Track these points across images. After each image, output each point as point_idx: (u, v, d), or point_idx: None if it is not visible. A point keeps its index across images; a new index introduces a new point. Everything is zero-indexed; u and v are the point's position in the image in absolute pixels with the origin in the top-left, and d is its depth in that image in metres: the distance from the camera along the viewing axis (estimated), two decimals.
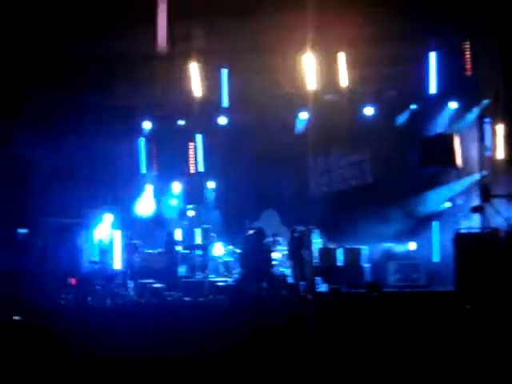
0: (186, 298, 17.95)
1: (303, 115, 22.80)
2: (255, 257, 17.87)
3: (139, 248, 22.17)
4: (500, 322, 9.44)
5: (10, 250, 20.75)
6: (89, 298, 17.75)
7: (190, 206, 23.46)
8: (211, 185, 24.23)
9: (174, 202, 24.34)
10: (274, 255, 20.45)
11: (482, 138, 20.77)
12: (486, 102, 20.53)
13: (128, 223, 23.76)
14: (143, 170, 24.56)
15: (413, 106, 21.82)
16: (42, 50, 21.31)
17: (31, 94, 23.12)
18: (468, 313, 11.68)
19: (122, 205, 23.68)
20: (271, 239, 21.24)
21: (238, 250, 20.93)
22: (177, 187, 24.41)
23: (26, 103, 23.24)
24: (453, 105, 21.20)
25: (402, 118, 21.86)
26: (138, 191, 24.36)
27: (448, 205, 21.16)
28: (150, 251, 22.37)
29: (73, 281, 17.29)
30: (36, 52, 21.43)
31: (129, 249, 22.08)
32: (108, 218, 23.84)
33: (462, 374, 8.56)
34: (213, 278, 21.36)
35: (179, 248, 22.05)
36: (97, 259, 22.99)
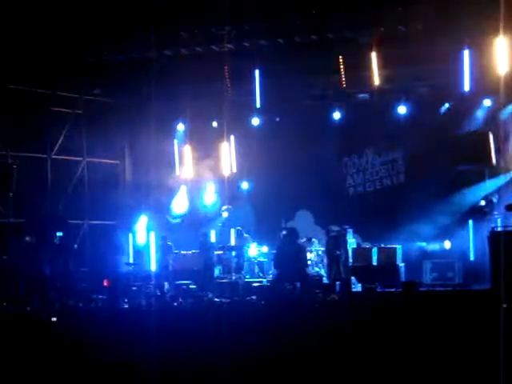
0: (222, 299, 17.99)
1: (336, 115, 22.79)
2: (289, 257, 17.85)
3: (174, 249, 22.29)
4: None
5: (47, 253, 20.97)
6: (125, 300, 17.84)
7: (224, 207, 23.51)
8: (245, 186, 24.28)
9: (208, 203, 24.44)
10: (309, 255, 20.46)
11: None
12: None
13: (163, 225, 23.91)
14: (177, 171, 24.68)
15: (446, 104, 21.70)
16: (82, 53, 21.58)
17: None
18: (504, 311, 11.60)
19: (156, 206, 23.83)
20: (305, 239, 21.25)
21: (266, 248, 21.01)
22: (210, 188, 24.49)
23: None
24: (487, 102, 21.06)
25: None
26: (173, 193, 24.49)
27: (483, 203, 21.01)
28: (185, 252, 22.47)
29: (106, 282, 17.40)
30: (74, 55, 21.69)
31: (164, 250, 22.20)
32: (143, 220, 24.01)
33: (498, 372, 8.54)
34: (248, 278, 21.42)
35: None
36: (132, 261, 23.18)
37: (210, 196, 24.44)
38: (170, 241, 22.47)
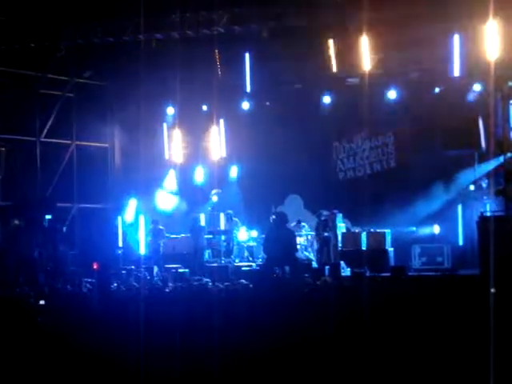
0: (212, 283, 18.01)
1: (326, 99, 22.77)
2: (278, 241, 17.89)
3: (165, 233, 22.29)
4: None
5: (36, 236, 20.94)
6: (114, 284, 17.84)
7: (214, 191, 23.49)
8: (234, 170, 24.26)
9: (197, 186, 24.42)
10: (298, 240, 20.50)
11: (506, 120, 20.63)
12: (510, 83, 20.39)
13: (153, 208, 23.90)
14: (166, 155, 24.64)
15: (437, 89, 21.71)
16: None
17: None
18: (492, 297, 11.64)
19: (146, 190, 23.80)
20: (295, 223, 21.28)
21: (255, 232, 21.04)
22: (200, 172, 24.46)
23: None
24: (476, 87, 21.07)
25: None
26: (162, 177, 24.46)
27: (472, 188, 21.06)
28: (176, 236, 22.47)
29: (95, 265, 17.36)
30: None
31: (155, 234, 22.20)
32: (133, 203, 23.98)
33: (486, 359, 8.59)
34: (237, 262, 21.45)
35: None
36: (121, 244, 23.18)
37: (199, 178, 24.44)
38: (161, 224, 22.48)
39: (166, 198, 24.23)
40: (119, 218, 23.84)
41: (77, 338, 11.94)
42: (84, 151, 24.16)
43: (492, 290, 11.90)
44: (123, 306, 13.82)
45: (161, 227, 22.29)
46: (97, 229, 23.49)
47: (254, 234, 22.27)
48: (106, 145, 25.05)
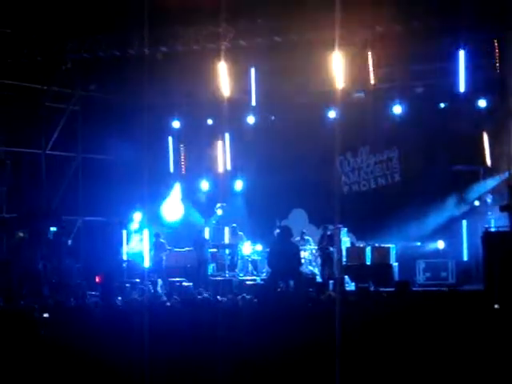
0: (215, 297, 17.98)
1: (331, 114, 22.77)
2: (283, 255, 17.87)
3: (167, 246, 22.28)
4: None
5: (40, 248, 20.95)
6: (119, 298, 17.83)
7: (218, 205, 23.49)
8: (239, 184, 24.27)
9: (202, 200, 24.44)
10: (302, 254, 20.46)
11: (511, 136, 20.61)
12: None
13: (157, 222, 23.89)
14: (171, 168, 24.67)
15: (442, 104, 21.71)
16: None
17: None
18: (496, 313, 11.61)
19: (151, 204, 23.80)
20: (299, 237, 21.26)
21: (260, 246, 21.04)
22: (205, 186, 24.48)
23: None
24: (482, 103, 21.07)
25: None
26: (167, 190, 24.48)
27: (477, 203, 21.04)
28: (179, 249, 22.46)
29: (98, 279, 17.39)
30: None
31: (157, 247, 22.19)
32: (138, 217, 23.97)
33: (488, 374, 8.56)
34: (241, 276, 21.43)
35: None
36: (126, 257, 23.16)
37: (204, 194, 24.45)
38: (164, 238, 22.47)
39: (172, 210, 24.25)
40: (124, 232, 23.84)
41: (80, 351, 11.93)
42: (89, 164, 24.19)
43: (496, 306, 11.87)
44: (127, 319, 13.80)
45: (162, 240, 22.28)
46: (101, 242, 23.49)
47: (259, 247, 22.25)
48: (112, 157, 25.08)
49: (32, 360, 12.42)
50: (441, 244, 21.28)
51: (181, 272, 21.30)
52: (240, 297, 17.36)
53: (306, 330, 13.04)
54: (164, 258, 22.01)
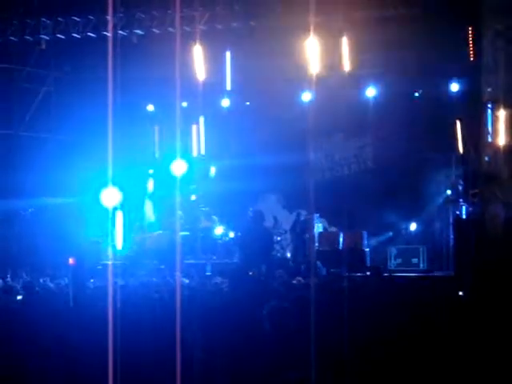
0: (188, 280, 18.03)
1: (306, 99, 22.81)
2: (255, 240, 17.94)
3: (145, 229, 22.32)
4: (493, 311, 9.51)
5: (14, 230, 20.91)
6: (91, 280, 17.80)
7: (191, 187, 23.48)
8: (213, 167, 24.28)
9: (176, 184, 24.41)
10: (275, 238, 20.55)
11: (483, 124, 20.77)
12: (488, 86, 20.53)
13: (132, 204, 23.88)
14: (147, 151, 24.65)
15: (416, 94, 21.84)
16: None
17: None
18: (460, 299, 11.76)
19: (124, 184, 23.74)
20: (272, 222, 21.34)
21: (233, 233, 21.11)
22: (179, 169, 24.44)
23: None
24: (455, 87, 21.20)
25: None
26: (142, 172, 24.46)
27: (449, 191, 21.22)
28: (153, 232, 22.48)
29: (71, 260, 17.30)
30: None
31: (134, 229, 22.22)
32: (112, 198, 23.89)
33: (459, 361, 8.71)
34: (214, 260, 21.50)
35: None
36: (99, 239, 23.12)
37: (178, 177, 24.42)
38: (141, 220, 22.51)
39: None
40: (97, 212, 23.76)
41: (50, 334, 11.92)
42: (63, 145, 24.10)
43: (460, 293, 12.03)
44: (99, 303, 13.79)
45: (140, 222, 22.30)
46: (74, 223, 23.42)
47: (232, 231, 22.31)
48: (85, 139, 24.95)
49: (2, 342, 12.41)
50: (413, 227, 21.46)
51: (154, 255, 21.32)
52: (212, 280, 17.44)
53: (278, 315, 13.11)
54: (138, 240, 22.04)
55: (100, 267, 19.79)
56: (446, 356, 8.91)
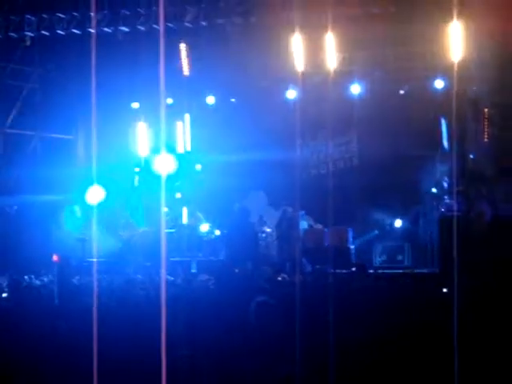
0: (173, 278, 18.03)
1: (291, 97, 22.83)
2: (240, 237, 17.99)
3: (133, 226, 22.29)
4: (477, 308, 9.58)
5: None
6: (77, 277, 17.78)
7: (177, 185, 23.46)
8: (199, 165, 24.26)
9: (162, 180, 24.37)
10: (260, 235, 20.58)
11: (468, 121, 20.87)
12: (473, 84, 20.63)
13: (116, 201, 23.82)
14: (132, 148, 24.60)
15: (401, 91, 21.91)
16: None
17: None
18: (444, 296, 11.82)
19: (110, 182, 23.71)
20: (258, 219, 21.35)
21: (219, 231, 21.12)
22: (165, 166, 24.40)
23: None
24: (439, 84, 21.26)
25: None
26: (128, 170, 24.42)
27: (434, 188, 21.27)
28: (139, 229, 22.45)
29: (55, 257, 17.26)
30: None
31: (120, 226, 22.18)
32: (96, 195, 23.84)
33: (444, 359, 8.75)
34: (199, 257, 21.48)
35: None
36: (83, 236, 23.06)
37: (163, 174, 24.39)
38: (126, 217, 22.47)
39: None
40: (81, 209, 23.71)
41: (34, 332, 11.91)
42: (48, 142, 24.06)
43: (444, 290, 12.08)
44: (84, 300, 13.77)
45: (124, 219, 22.26)
46: (59, 220, 23.39)
47: (218, 229, 22.29)
48: (70, 137, 24.93)
49: None
50: (398, 223, 21.52)
51: (140, 252, 21.30)
52: (198, 278, 17.46)
53: (264, 311, 13.14)
54: (124, 238, 22.01)
55: (86, 264, 19.74)
56: (429, 349, 8.96)
